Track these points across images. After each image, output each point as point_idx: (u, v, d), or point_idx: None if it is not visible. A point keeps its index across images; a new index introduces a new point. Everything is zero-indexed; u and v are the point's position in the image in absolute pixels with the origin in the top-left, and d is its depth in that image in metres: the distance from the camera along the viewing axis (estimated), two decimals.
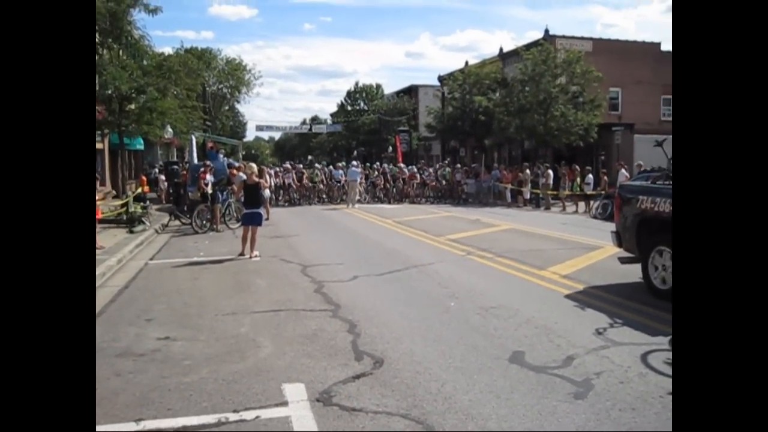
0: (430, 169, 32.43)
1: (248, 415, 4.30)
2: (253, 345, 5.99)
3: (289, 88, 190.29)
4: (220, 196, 16.66)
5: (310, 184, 28.28)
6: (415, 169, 31.35)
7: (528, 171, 26.84)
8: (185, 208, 17.86)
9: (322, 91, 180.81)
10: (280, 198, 27.12)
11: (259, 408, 4.41)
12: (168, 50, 34.65)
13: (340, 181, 28.14)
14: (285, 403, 4.50)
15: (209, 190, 16.45)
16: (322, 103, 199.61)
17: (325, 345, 5.95)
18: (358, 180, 27.39)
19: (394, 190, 29.42)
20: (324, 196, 28.42)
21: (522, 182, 26.96)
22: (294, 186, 27.55)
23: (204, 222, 16.32)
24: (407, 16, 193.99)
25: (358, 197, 27.09)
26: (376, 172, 30.62)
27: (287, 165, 31.57)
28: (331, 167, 32.10)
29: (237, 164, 24.84)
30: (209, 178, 16.85)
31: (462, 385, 4.86)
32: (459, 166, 31.93)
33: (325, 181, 28.72)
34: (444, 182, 29.88)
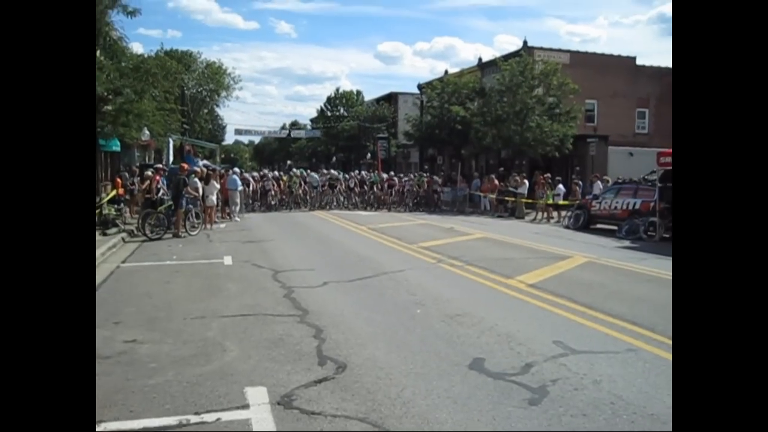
0: (411, 175, 32.71)
1: (209, 417, 4.38)
2: (219, 348, 6.07)
3: (263, 92, 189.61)
4: (184, 202, 16.38)
5: (288, 190, 28.44)
6: (393, 175, 31.87)
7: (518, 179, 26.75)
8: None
9: (295, 96, 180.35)
10: (258, 203, 27.25)
11: (220, 410, 4.49)
12: (138, 48, 34.38)
13: (317, 187, 28.90)
14: (246, 406, 4.59)
15: (161, 195, 16.29)
16: (297, 108, 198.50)
17: (290, 350, 6.05)
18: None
19: (372, 197, 29.82)
20: (300, 201, 28.49)
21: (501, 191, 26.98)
22: (273, 191, 27.78)
23: (155, 228, 15.75)
24: (380, 23, 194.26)
25: (335, 203, 28.74)
26: (354, 180, 30.80)
27: (265, 171, 32.47)
28: (306, 172, 32.56)
29: (213, 167, 24.88)
30: (161, 182, 16.79)
31: (421, 390, 4.98)
32: (435, 177, 32.45)
33: (302, 187, 28.88)
34: (420, 190, 30.07)
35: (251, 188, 27.05)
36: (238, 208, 22.74)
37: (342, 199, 29.43)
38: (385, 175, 31.73)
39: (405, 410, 4.56)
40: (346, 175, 32.14)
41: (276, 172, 32.71)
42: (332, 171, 33.38)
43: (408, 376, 5.34)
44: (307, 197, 28.70)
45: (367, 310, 7.84)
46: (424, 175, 32.06)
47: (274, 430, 4.18)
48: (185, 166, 18.67)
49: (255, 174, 31.64)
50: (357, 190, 30.07)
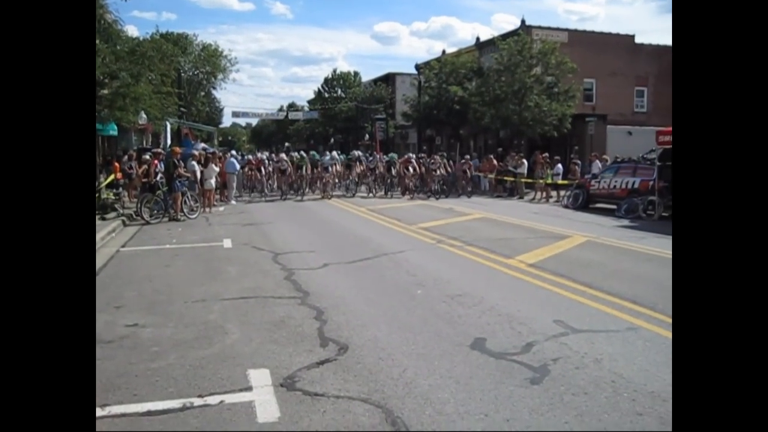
0: (436, 157, 27.41)
1: (213, 400, 4.40)
2: (221, 331, 6.09)
3: (259, 74, 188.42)
4: (178, 185, 16.38)
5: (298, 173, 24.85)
6: (413, 157, 27.19)
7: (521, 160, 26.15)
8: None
9: (293, 77, 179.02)
10: (271, 188, 24.92)
11: (223, 393, 4.52)
12: (133, 31, 34.10)
13: (328, 169, 24.91)
14: (249, 388, 4.61)
15: (159, 179, 16.29)
16: (295, 90, 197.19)
17: (292, 332, 6.07)
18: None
19: (396, 180, 26.15)
20: (309, 185, 25.16)
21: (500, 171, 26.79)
22: (289, 171, 24.59)
23: (155, 211, 15.95)
24: (376, 3, 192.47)
25: (350, 187, 25.14)
26: (375, 162, 27.08)
27: (282, 155, 27.52)
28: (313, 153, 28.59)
29: (212, 150, 24.80)
30: (159, 166, 16.77)
31: (423, 370, 5.00)
32: (467, 156, 28.85)
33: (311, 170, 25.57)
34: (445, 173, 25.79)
35: (265, 171, 24.78)
36: (234, 191, 22.68)
37: (355, 183, 25.57)
38: (391, 156, 27.74)
39: (407, 390, 4.58)
40: (362, 156, 28.04)
41: (283, 155, 27.54)
42: (354, 152, 28.69)
43: (410, 356, 5.36)
44: (318, 182, 25.16)
45: (367, 291, 7.86)
46: (444, 156, 28.70)
47: (278, 411, 4.20)
48: (177, 149, 18.63)
49: (266, 154, 30.01)
50: (378, 172, 26.27)
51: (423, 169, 25.79)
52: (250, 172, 25.18)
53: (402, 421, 4.06)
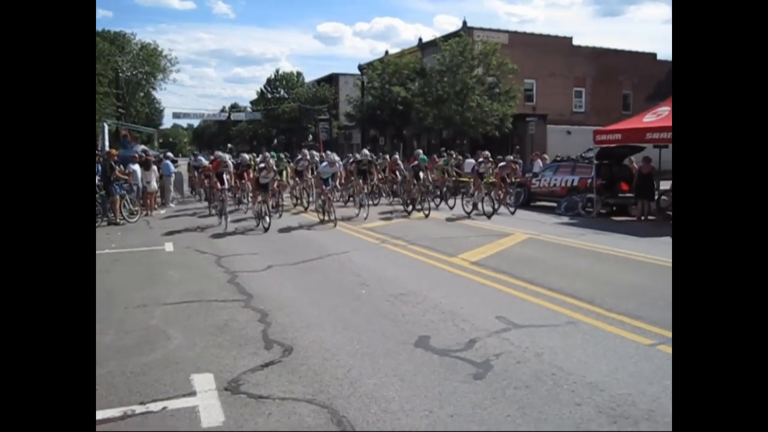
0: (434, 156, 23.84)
1: (155, 406, 4.33)
2: (163, 337, 5.99)
3: (201, 74, 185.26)
4: (117, 188, 16.01)
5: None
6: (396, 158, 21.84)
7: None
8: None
9: (235, 78, 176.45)
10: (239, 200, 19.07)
11: (166, 399, 4.44)
12: None
13: (329, 182, 16.08)
14: (193, 394, 4.55)
15: (97, 182, 15.88)
16: (237, 90, 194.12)
17: (236, 335, 6.01)
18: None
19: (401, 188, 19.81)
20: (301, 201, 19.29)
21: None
22: (276, 184, 16.80)
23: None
24: (320, 3, 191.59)
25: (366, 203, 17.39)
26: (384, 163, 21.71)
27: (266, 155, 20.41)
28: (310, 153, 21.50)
29: (150, 152, 24.25)
30: (97, 169, 16.39)
31: (368, 369, 5.03)
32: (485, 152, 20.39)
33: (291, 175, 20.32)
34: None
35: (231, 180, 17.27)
36: (173, 194, 22.19)
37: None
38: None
39: (352, 390, 4.60)
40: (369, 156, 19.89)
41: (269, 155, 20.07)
42: (364, 151, 20.33)
43: (354, 356, 5.38)
44: (310, 196, 19.12)
45: (312, 292, 7.85)
46: (452, 153, 24.47)
47: (222, 415, 4.16)
48: (113, 151, 18.23)
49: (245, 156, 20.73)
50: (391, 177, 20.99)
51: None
52: (205, 179, 18.91)
53: (347, 420, 4.08)
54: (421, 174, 18.11)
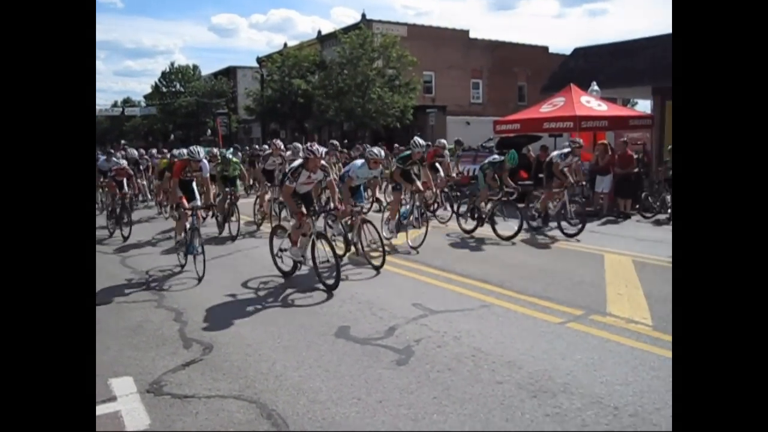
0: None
1: None
2: None
3: None
4: None
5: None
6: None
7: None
8: None
9: (126, 71, 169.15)
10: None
11: None
12: None
13: (363, 196, 10.51)
14: (113, 398, 4.41)
15: None
16: (129, 84, 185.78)
17: (152, 335, 5.86)
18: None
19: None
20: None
21: None
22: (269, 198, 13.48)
23: None
24: None
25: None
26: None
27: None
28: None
29: None
30: None
31: (292, 362, 5.05)
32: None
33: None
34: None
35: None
36: None
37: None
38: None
39: (278, 383, 4.60)
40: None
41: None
42: (374, 149, 9.65)
43: (276, 350, 5.38)
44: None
45: (225, 288, 7.71)
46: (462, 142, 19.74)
47: (147, 418, 4.07)
48: None
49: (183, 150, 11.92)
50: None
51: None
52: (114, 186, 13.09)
53: (277, 413, 4.09)
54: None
